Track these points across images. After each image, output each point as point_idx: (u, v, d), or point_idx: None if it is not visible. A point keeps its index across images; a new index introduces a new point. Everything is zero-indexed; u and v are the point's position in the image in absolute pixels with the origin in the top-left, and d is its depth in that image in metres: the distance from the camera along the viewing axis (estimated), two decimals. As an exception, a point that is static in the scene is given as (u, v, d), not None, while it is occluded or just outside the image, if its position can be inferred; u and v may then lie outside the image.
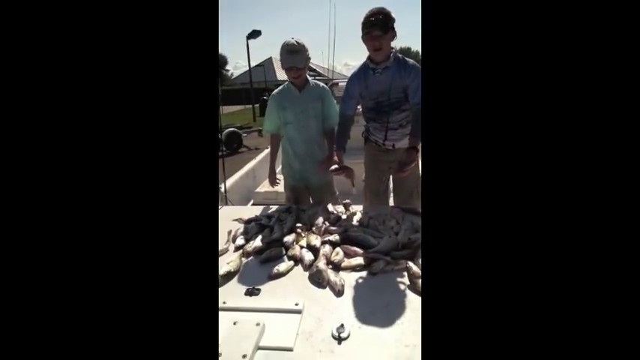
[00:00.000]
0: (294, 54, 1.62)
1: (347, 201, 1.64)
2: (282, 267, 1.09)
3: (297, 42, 1.62)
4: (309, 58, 1.69)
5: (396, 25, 1.56)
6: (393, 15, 1.55)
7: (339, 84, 4.29)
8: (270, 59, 27.94)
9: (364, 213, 1.53)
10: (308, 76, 1.77)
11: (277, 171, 2.12)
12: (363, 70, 1.67)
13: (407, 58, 1.65)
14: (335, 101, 1.83)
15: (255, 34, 13.35)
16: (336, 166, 1.64)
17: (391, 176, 1.92)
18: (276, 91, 1.82)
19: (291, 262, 1.13)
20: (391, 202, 2.00)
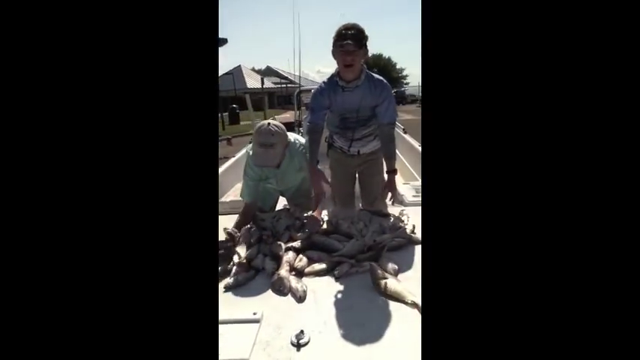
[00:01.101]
0: (268, 148, 1.35)
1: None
2: (240, 277, 1.05)
3: (273, 130, 1.35)
4: (288, 143, 1.47)
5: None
6: (366, 32, 1.49)
7: (311, 90, 4.32)
8: (239, 67, 27.68)
9: (332, 216, 1.51)
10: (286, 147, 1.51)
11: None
12: (332, 85, 1.60)
13: (376, 76, 1.60)
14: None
15: (221, 42, 13.23)
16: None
17: (357, 180, 1.93)
18: (252, 159, 1.52)
19: (252, 272, 1.09)
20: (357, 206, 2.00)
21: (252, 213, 1.53)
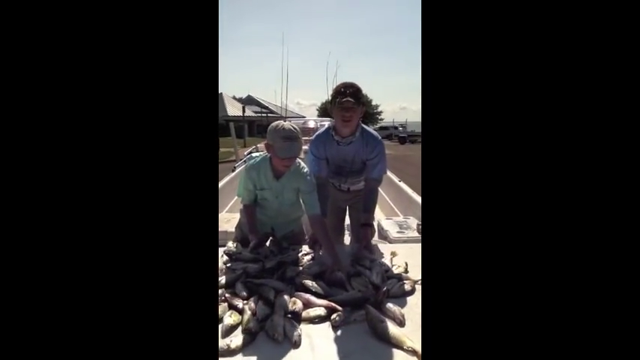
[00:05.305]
0: (293, 141, 1.40)
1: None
2: (234, 343, 0.90)
3: (294, 127, 1.43)
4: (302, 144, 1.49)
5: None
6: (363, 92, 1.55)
7: (292, 122, 4.39)
8: (221, 94, 27.94)
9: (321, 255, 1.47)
10: None
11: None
12: (327, 137, 1.64)
13: (370, 131, 1.66)
14: (314, 189, 1.57)
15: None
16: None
17: (347, 214, 1.93)
18: (252, 165, 1.57)
19: (247, 337, 0.94)
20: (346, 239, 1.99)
21: (255, 213, 1.62)
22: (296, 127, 1.43)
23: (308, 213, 1.57)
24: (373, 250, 1.56)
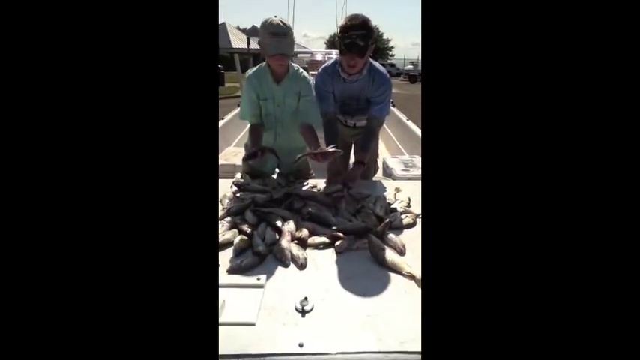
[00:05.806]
0: (281, 37, 1.33)
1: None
2: (244, 263, 0.97)
3: (283, 22, 1.34)
4: (294, 42, 1.42)
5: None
6: (373, 25, 1.42)
7: (298, 55, 4.18)
8: (223, 25, 26.22)
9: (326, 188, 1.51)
10: (290, 64, 1.49)
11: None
12: (334, 74, 1.58)
13: (379, 67, 1.58)
14: (313, 96, 1.53)
15: (207, -5, 12.36)
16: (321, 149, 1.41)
17: (352, 150, 1.93)
18: (252, 74, 1.51)
19: (257, 258, 1.01)
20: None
21: (260, 134, 1.54)
22: (286, 22, 1.35)
23: (302, 120, 1.51)
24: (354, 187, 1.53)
